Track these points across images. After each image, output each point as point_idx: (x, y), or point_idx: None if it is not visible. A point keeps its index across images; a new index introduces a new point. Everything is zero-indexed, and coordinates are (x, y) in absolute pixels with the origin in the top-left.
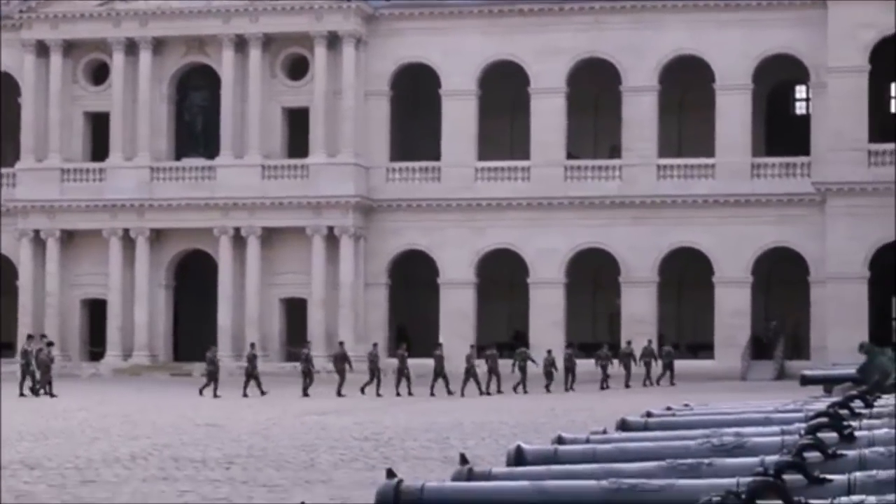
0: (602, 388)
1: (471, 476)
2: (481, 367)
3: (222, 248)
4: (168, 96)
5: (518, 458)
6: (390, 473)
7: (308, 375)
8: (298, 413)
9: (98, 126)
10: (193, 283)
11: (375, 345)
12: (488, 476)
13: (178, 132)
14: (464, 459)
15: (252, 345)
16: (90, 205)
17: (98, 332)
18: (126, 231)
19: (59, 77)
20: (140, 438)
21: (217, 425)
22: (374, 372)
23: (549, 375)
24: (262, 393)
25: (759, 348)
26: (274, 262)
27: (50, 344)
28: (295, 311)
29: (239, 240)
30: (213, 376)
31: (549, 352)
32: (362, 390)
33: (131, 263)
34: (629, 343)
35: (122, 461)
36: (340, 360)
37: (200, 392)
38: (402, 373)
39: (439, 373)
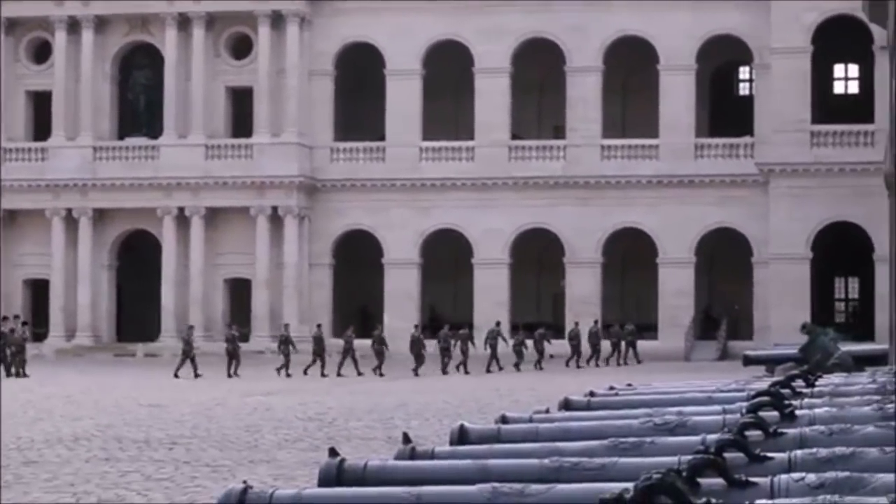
0: (536, 367)
1: (413, 455)
2: (433, 347)
3: (166, 229)
4: (111, 75)
5: (461, 437)
6: (333, 452)
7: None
8: (242, 394)
9: (40, 105)
10: (137, 263)
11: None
12: (431, 455)
13: (121, 111)
14: (406, 439)
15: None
16: (32, 184)
17: (41, 312)
18: (69, 211)
19: (2, 55)
20: (83, 419)
21: (160, 406)
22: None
23: (519, 354)
24: (196, 376)
25: (710, 326)
26: (218, 242)
27: (24, 323)
28: (239, 291)
29: (182, 220)
30: (187, 356)
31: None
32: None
33: (74, 243)
34: (576, 324)
35: (64, 442)
36: (285, 343)
37: (175, 374)
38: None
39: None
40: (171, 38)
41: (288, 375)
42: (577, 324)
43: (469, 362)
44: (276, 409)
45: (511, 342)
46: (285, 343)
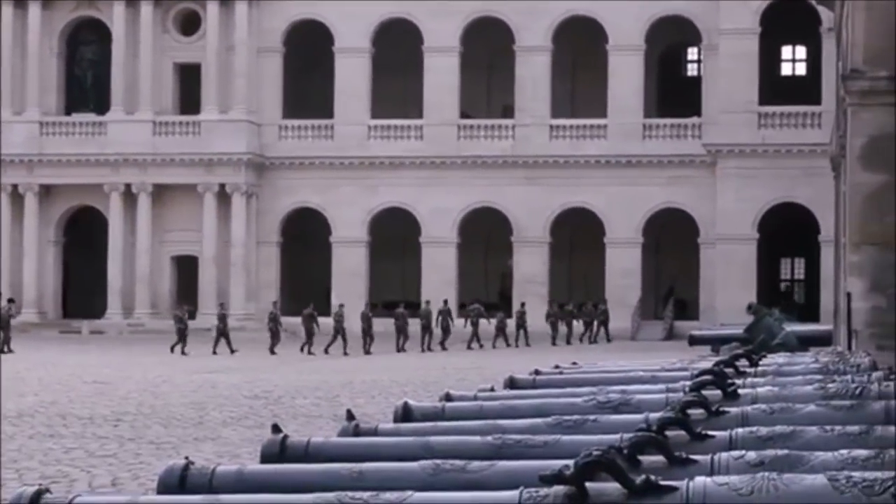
0: (469, 347)
1: (357, 432)
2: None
3: (112, 205)
4: (58, 51)
5: (405, 414)
6: (276, 429)
7: (182, 336)
8: (189, 371)
9: None
10: (83, 239)
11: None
12: (374, 432)
13: (68, 87)
14: (350, 416)
15: (221, 304)
16: None
17: None
18: (15, 187)
19: None
20: (27, 396)
21: (106, 383)
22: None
23: (501, 331)
24: (228, 351)
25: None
26: (165, 219)
27: (11, 301)
28: (186, 268)
29: (129, 196)
30: (181, 334)
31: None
32: (172, 349)
33: (20, 219)
34: (522, 304)
35: (8, 418)
36: (274, 320)
37: (172, 349)
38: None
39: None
40: (119, 13)
41: (273, 353)
42: (523, 304)
43: (418, 341)
44: (221, 387)
45: (494, 321)
46: (274, 321)
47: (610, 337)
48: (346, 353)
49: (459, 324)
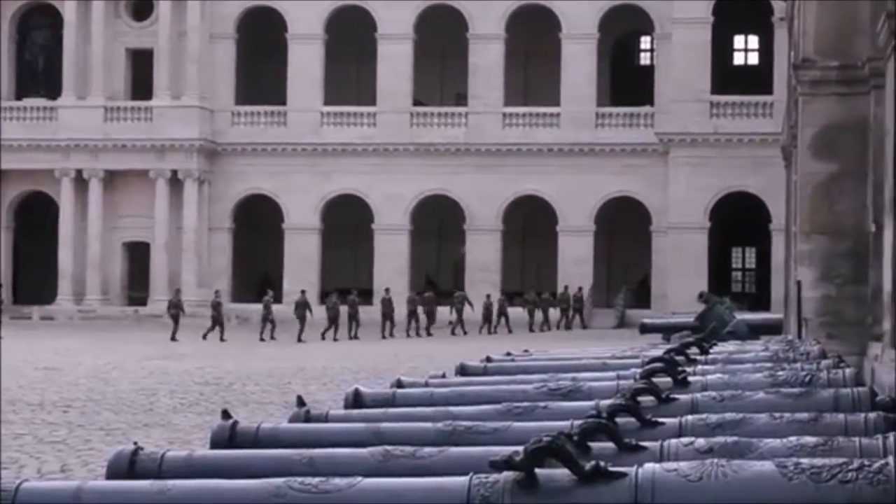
0: (428, 334)
1: (307, 418)
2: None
3: (64, 191)
4: (9, 35)
5: (356, 401)
6: (225, 415)
7: (176, 320)
8: (139, 358)
9: None
10: (34, 225)
11: (217, 292)
12: (325, 418)
13: (19, 72)
14: (301, 402)
15: (217, 292)
16: None
17: None
18: None
19: None
20: None
21: (56, 369)
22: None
23: (487, 318)
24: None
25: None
26: (116, 205)
27: None
28: (137, 255)
29: (81, 182)
30: (175, 319)
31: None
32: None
33: None
34: (461, 292)
35: None
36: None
37: (172, 338)
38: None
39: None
40: None
41: (263, 339)
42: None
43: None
44: (172, 373)
45: (479, 308)
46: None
47: (586, 324)
48: (300, 340)
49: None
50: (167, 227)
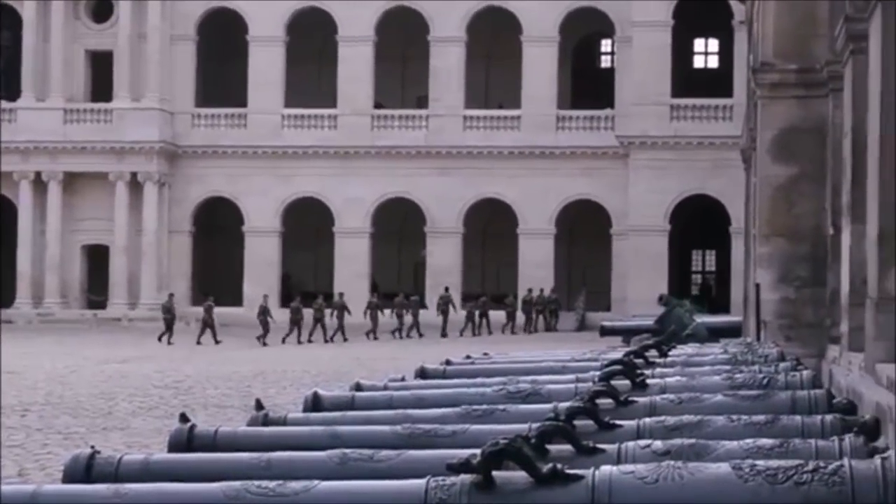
0: (399, 336)
1: (266, 421)
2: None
3: (22, 193)
4: None
5: (315, 404)
6: (183, 418)
7: (169, 325)
8: (98, 361)
9: None
10: None
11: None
12: (284, 422)
13: None
14: (259, 405)
15: (207, 295)
16: None
17: None
18: None
19: None
20: None
21: (14, 372)
22: (170, 322)
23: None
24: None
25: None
26: (76, 207)
27: None
28: (97, 257)
29: (40, 184)
30: (168, 324)
31: (341, 295)
32: (159, 339)
33: None
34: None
35: None
36: (168, 311)
37: (159, 339)
38: (208, 323)
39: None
40: None
41: (265, 344)
42: (447, 288)
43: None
44: (131, 377)
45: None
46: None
47: (557, 327)
48: (265, 344)
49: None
50: (127, 229)
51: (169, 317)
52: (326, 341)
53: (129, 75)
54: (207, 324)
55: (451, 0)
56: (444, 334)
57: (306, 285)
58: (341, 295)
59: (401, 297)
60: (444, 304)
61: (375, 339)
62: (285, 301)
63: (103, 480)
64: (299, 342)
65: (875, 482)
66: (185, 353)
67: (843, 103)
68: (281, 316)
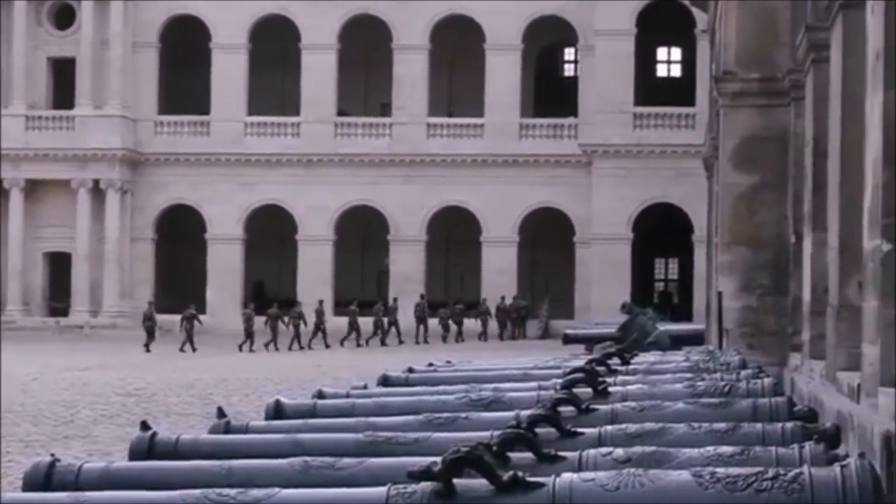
0: (417, 342)
1: (228, 429)
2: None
3: None
4: None
5: (277, 412)
6: (144, 426)
7: (151, 332)
8: (60, 369)
9: None
10: None
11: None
12: (245, 429)
13: None
14: (221, 413)
15: (192, 305)
16: None
17: None
18: None
19: None
20: None
21: None
22: (151, 328)
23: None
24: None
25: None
26: (38, 215)
27: None
28: (59, 265)
29: (1, 192)
30: (150, 331)
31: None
32: (147, 349)
33: None
34: (395, 300)
35: None
36: (149, 318)
37: (147, 349)
38: (189, 331)
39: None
40: None
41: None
42: (395, 299)
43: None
44: (93, 385)
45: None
46: (150, 319)
47: (525, 334)
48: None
49: (338, 322)
50: (89, 237)
51: (150, 324)
52: (301, 348)
53: (92, 82)
54: (188, 332)
55: (414, 7)
56: (425, 341)
57: (268, 293)
58: (298, 303)
59: (354, 305)
60: (421, 312)
61: (359, 345)
62: (259, 310)
63: (63, 488)
64: (276, 349)
65: (834, 489)
66: (149, 360)
67: (804, 112)
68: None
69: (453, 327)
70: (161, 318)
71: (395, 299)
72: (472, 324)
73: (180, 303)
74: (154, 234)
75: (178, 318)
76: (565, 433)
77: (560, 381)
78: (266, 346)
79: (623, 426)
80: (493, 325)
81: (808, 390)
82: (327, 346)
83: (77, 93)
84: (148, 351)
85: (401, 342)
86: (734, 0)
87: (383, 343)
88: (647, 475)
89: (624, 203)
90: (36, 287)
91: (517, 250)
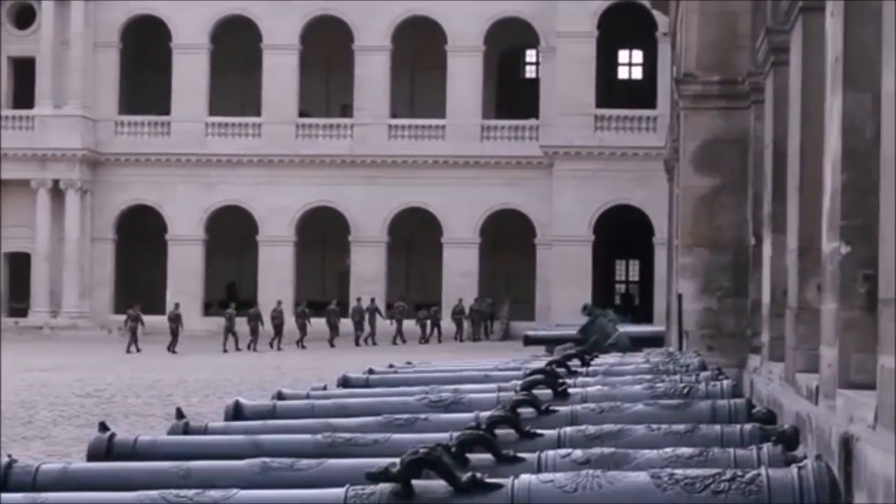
0: (394, 343)
1: (187, 430)
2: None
3: None
4: None
5: (236, 413)
6: (103, 427)
7: (134, 332)
8: (19, 370)
9: None
10: None
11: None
12: (204, 430)
13: None
14: (180, 414)
15: (177, 304)
16: None
17: None
18: None
19: None
20: None
21: None
22: (134, 329)
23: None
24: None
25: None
26: None
27: None
28: (18, 265)
29: None
30: (134, 332)
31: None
32: (137, 350)
33: None
34: (365, 300)
35: None
36: (134, 320)
37: (137, 350)
38: (174, 332)
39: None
40: None
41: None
42: (359, 300)
43: (259, 340)
44: (53, 386)
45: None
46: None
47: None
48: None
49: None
50: (49, 237)
51: (134, 325)
52: (257, 350)
53: (52, 82)
54: (174, 332)
55: (376, 8)
56: (403, 341)
57: (230, 294)
58: (256, 304)
59: (401, 304)
60: (399, 314)
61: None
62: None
63: (21, 489)
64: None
65: (791, 491)
66: (108, 360)
67: (764, 115)
68: (203, 324)
69: (413, 329)
70: (121, 318)
71: (373, 300)
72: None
73: (141, 303)
74: (114, 235)
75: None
76: (525, 434)
77: (520, 382)
78: (225, 347)
79: (582, 427)
80: (450, 326)
81: (767, 392)
82: (303, 347)
83: (37, 92)
84: (138, 350)
85: (404, 341)
86: (695, 3)
87: (358, 343)
88: (605, 476)
89: (585, 205)
90: None
91: (478, 252)
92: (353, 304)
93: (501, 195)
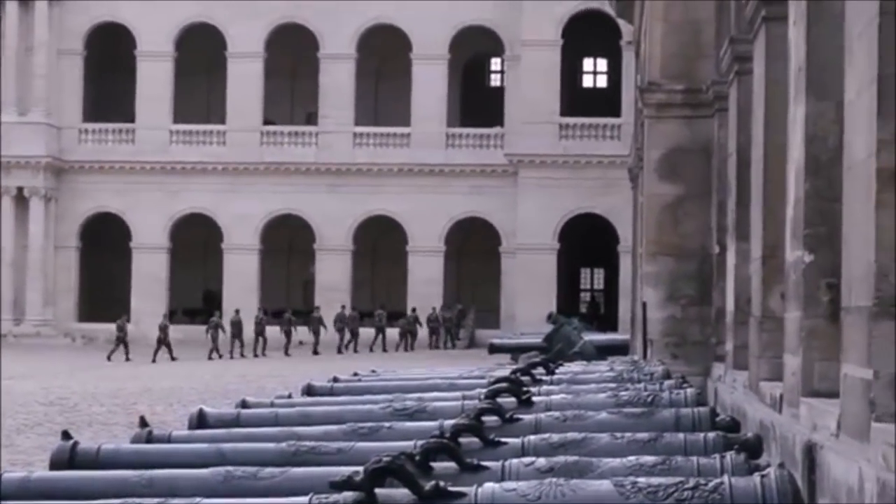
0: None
1: (150, 439)
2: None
3: None
4: None
5: (200, 421)
6: (66, 435)
7: (119, 343)
8: None
9: None
10: None
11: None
12: (168, 439)
13: None
14: (143, 422)
15: (165, 315)
16: None
17: None
18: None
19: None
20: None
21: None
22: (122, 339)
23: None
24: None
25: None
26: None
27: None
28: None
29: None
30: (121, 341)
31: (237, 311)
32: (126, 358)
33: None
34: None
35: None
36: (121, 329)
37: (126, 358)
38: (163, 341)
39: (215, 338)
40: None
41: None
42: (343, 307)
43: (220, 348)
44: (16, 394)
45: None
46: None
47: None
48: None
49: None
50: (12, 245)
51: (122, 335)
52: (221, 356)
53: (16, 89)
54: (162, 342)
55: (341, 16)
56: (384, 349)
57: (195, 302)
58: (236, 314)
59: (381, 312)
60: (380, 322)
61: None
62: (207, 319)
63: None
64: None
65: (754, 499)
66: (70, 368)
67: (728, 123)
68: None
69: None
70: (84, 326)
71: (343, 307)
72: (395, 333)
73: (105, 311)
74: (78, 243)
75: (102, 326)
76: (489, 443)
77: (484, 390)
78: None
79: (546, 436)
80: (422, 334)
81: (731, 400)
82: (264, 355)
83: (1, 100)
84: (127, 359)
85: (384, 349)
86: (659, 12)
87: (316, 352)
88: (568, 485)
89: (550, 213)
90: None
91: (443, 260)
92: (337, 310)
93: (466, 203)
